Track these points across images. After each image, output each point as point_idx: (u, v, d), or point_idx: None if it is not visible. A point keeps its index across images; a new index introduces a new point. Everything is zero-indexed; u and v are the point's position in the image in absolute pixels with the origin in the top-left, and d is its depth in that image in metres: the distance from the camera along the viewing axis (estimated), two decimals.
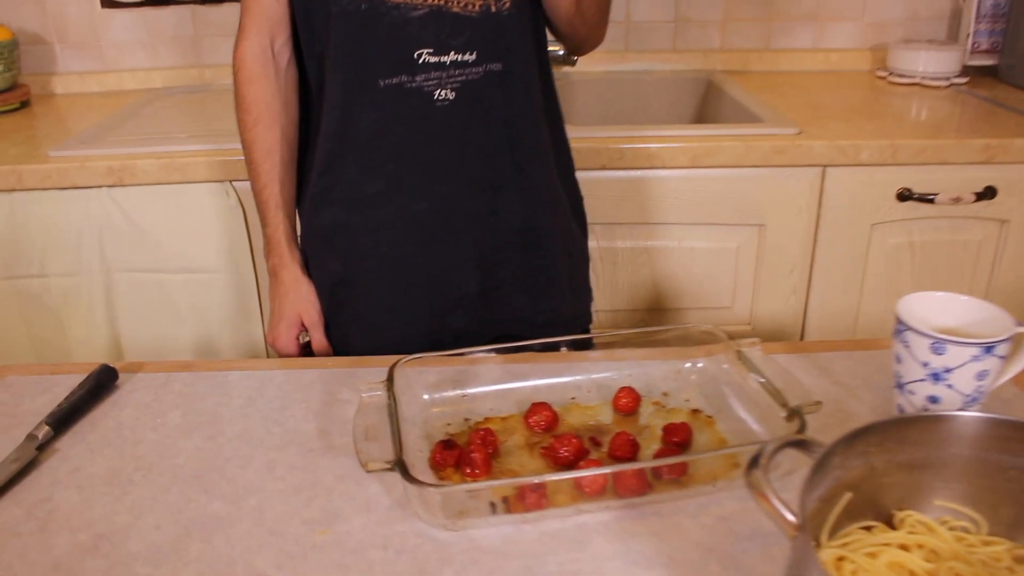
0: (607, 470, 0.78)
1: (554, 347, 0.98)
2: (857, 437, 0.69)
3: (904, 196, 1.65)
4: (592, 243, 1.65)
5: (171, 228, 1.64)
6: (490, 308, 1.21)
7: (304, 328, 1.23)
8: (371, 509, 0.81)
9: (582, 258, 1.33)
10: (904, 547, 0.71)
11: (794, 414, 0.84)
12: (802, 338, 1.79)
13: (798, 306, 1.75)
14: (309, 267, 1.24)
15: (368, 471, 0.76)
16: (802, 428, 0.81)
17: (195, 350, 1.73)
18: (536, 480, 0.76)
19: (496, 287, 1.21)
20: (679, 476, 0.82)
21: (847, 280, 1.73)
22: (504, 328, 1.22)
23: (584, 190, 1.60)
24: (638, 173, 1.61)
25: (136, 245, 1.65)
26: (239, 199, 1.61)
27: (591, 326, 1.36)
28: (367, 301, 1.20)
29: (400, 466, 0.75)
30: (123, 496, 0.83)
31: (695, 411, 0.95)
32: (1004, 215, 1.69)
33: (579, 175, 1.59)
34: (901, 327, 0.87)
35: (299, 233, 1.24)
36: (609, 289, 1.72)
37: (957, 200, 1.64)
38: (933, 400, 0.88)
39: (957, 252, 1.73)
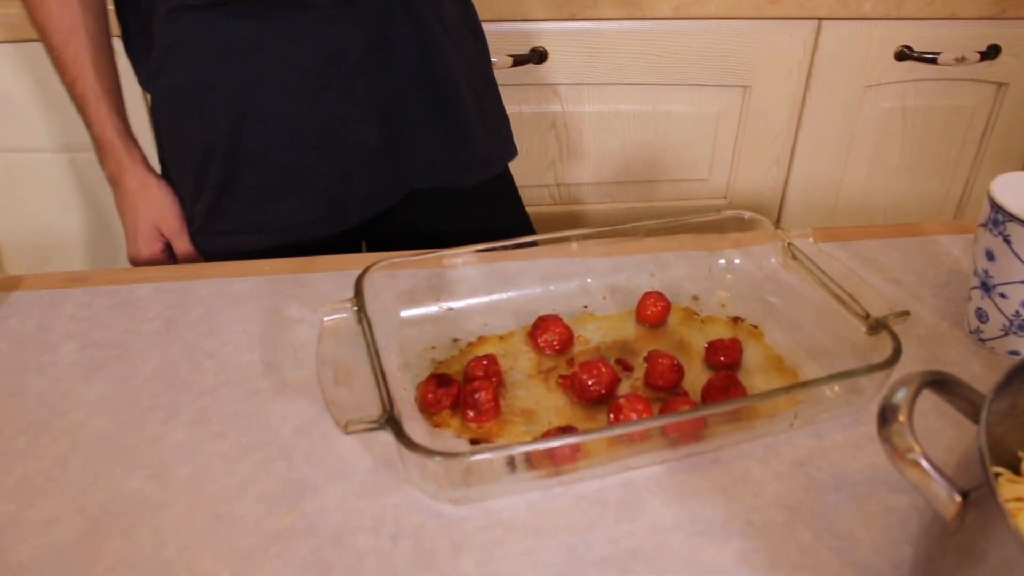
0: (667, 420, 0.59)
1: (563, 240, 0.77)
2: (1017, 374, 0.52)
3: (903, 55, 1.47)
4: (556, 107, 1.44)
5: (44, 95, 1.35)
6: (397, 161, 1.00)
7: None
8: (348, 474, 0.61)
9: (488, 86, 1.11)
10: None
11: (880, 327, 0.66)
12: (779, 214, 1.62)
13: (779, 177, 1.57)
14: (164, 146, 1.01)
15: (348, 433, 0.55)
16: (898, 349, 0.63)
17: (90, 250, 1.46)
18: (589, 437, 0.56)
19: (400, 135, 0.99)
20: (737, 415, 0.64)
21: (833, 148, 1.56)
22: (416, 181, 1.03)
23: (548, 45, 1.38)
24: (611, 25, 1.38)
25: (2, 118, 1.36)
26: None
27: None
28: (248, 173, 0.97)
29: (393, 426, 0.55)
30: (2, 474, 0.61)
31: (736, 319, 0.77)
32: (1003, 77, 1.53)
33: (541, 26, 1.37)
34: (1001, 216, 0.69)
35: (149, 104, 0.99)
36: (574, 159, 1.51)
37: (961, 60, 1.47)
38: None
39: (951, 118, 1.57)
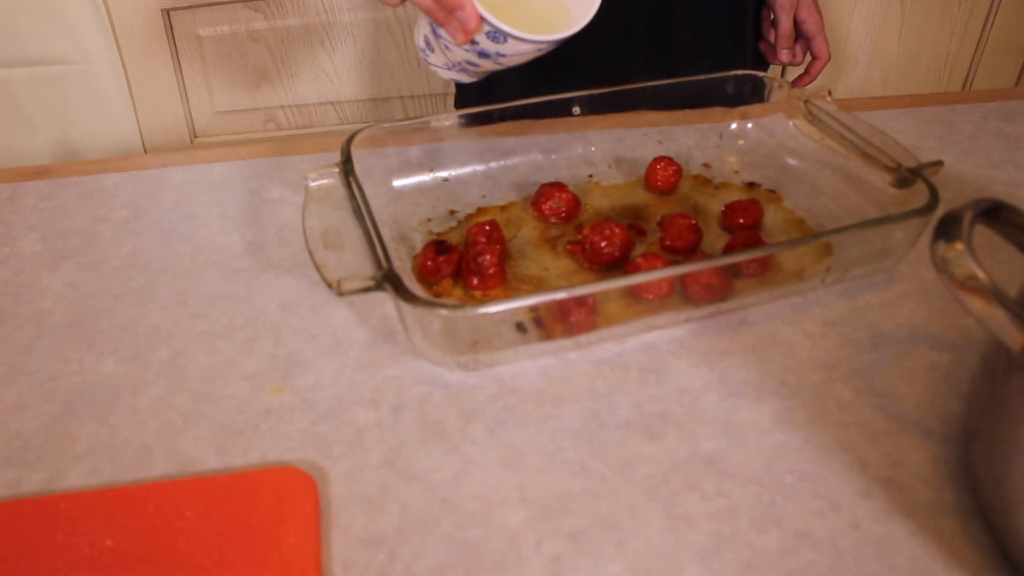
0: (692, 268, 0.54)
1: (562, 108, 0.71)
2: None
3: None
4: None
5: (2, 8, 1.26)
6: None
7: None
8: (343, 348, 0.55)
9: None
10: None
11: (912, 178, 0.61)
12: None
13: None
14: None
15: (341, 294, 0.50)
16: (935, 195, 0.58)
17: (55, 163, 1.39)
18: (608, 286, 0.51)
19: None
20: (764, 272, 0.59)
21: (830, 38, 1.49)
22: None
23: None
24: None
25: None
26: None
27: None
28: None
29: (391, 280, 0.49)
30: None
31: (751, 184, 0.71)
32: None
33: None
34: None
35: None
36: None
37: None
38: None
39: (950, 7, 1.50)
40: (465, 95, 1.02)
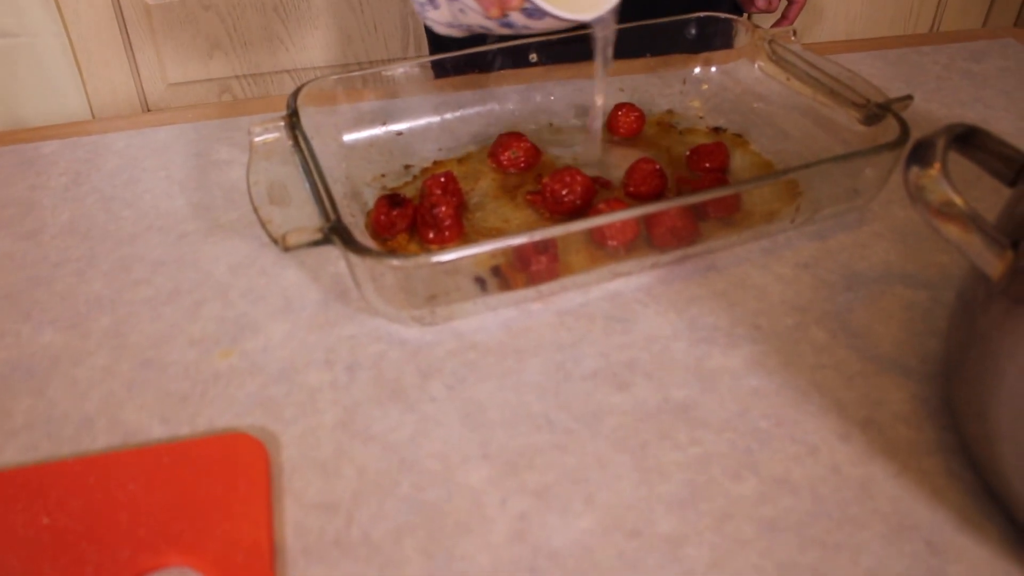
0: (655, 207, 0.51)
1: (517, 58, 0.68)
2: None
3: None
4: None
5: None
6: None
7: None
8: (294, 309, 0.53)
9: None
10: None
11: (882, 113, 0.59)
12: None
13: None
14: None
15: (287, 249, 0.47)
16: (905, 130, 0.56)
17: None
18: (569, 229, 0.48)
19: None
20: (732, 213, 0.57)
21: None
22: None
23: None
24: None
25: None
26: None
27: None
28: None
29: (339, 232, 0.46)
30: None
31: (716, 129, 0.69)
32: None
33: None
34: None
35: None
36: None
37: None
38: None
39: None
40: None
